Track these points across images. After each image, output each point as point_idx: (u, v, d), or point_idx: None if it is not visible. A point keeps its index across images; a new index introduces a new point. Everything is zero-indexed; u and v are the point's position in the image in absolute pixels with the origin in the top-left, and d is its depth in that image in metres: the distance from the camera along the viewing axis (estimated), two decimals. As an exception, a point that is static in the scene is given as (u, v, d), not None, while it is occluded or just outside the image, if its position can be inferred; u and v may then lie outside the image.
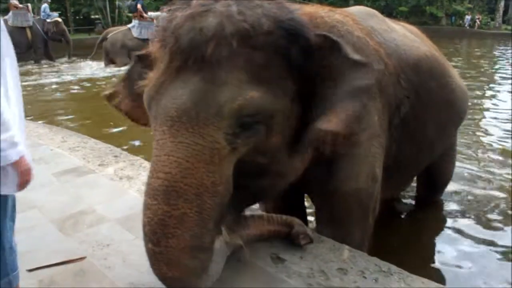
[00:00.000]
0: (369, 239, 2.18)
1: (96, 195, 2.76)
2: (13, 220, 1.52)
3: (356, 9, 2.47)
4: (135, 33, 12.12)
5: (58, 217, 2.45)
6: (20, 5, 13.40)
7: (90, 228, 2.32)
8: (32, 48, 13.30)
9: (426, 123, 2.41)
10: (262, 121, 1.41)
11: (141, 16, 12.39)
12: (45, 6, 14.13)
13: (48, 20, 13.79)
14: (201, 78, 1.35)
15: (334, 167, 1.91)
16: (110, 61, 12.15)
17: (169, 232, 1.29)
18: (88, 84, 10.01)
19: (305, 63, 1.50)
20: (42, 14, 14.05)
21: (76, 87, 9.77)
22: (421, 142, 2.44)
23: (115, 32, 12.38)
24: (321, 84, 1.54)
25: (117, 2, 20.13)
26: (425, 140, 2.48)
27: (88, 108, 7.59)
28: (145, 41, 9.55)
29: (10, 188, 1.38)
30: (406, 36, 2.46)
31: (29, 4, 14.04)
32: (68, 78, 10.86)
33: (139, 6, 12.46)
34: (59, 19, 14.31)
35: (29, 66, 12.75)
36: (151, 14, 12.82)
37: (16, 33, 11.93)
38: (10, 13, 12.96)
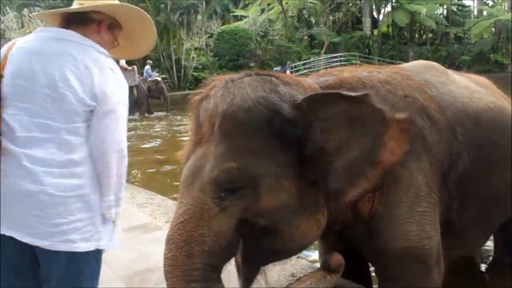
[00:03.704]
0: None
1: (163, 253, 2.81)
2: None
3: (411, 64, 2.47)
4: None
5: (125, 274, 2.53)
6: (129, 67, 13.88)
7: (157, 286, 2.37)
8: (136, 105, 13.87)
9: (492, 178, 2.27)
10: (245, 186, 1.61)
11: None
12: (147, 67, 15.25)
13: (149, 79, 14.89)
14: (201, 151, 1.68)
15: (376, 227, 1.91)
16: None
17: (166, 269, 1.63)
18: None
19: (294, 131, 1.62)
20: (145, 75, 15.21)
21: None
22: (487, 199, 2.29)
23: None
24: (319, 143, 1.65)
25: (183, 62, 21.31)
26: (492, 197, 2.32)
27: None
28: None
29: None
30: (467, 88, 2.38)
31: (135, 66, 14.77)
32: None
33: (288, 72, 13.66)
34: (159, 78, 15.29)
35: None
36: None
37: None
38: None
